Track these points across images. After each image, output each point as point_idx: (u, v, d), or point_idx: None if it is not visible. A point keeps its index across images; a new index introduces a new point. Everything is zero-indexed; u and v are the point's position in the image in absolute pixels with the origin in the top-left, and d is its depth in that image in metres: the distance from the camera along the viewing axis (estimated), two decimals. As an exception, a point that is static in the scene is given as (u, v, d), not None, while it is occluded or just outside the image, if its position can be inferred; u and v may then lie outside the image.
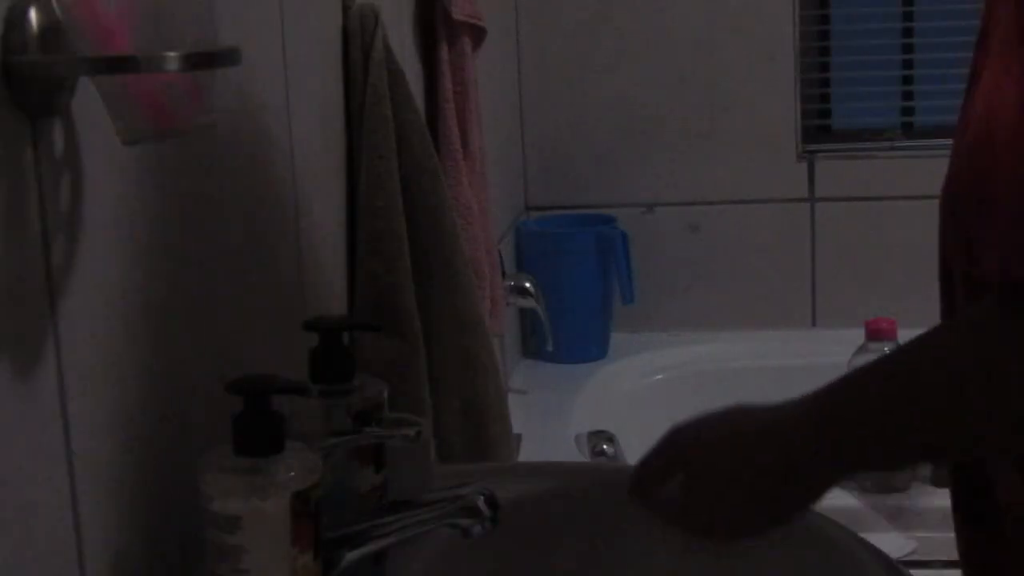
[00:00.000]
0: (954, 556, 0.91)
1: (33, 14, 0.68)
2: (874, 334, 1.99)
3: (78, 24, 0.68)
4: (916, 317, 1.06)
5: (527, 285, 2.32)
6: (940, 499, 1.40)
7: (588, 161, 2.63)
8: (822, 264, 2.62)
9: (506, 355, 2.27)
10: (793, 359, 2.43)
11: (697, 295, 2.64)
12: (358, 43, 1.35)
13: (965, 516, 0.89)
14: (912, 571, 0.94)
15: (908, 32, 2.66)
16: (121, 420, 0.80)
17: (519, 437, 1.85)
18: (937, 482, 1.84)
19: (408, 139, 1.38)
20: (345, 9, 1.36)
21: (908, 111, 2.68)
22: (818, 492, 0.81)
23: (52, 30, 0.68)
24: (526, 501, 1.08)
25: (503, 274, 2.06)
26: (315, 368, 0.94)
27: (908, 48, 2.67)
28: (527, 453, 1.90)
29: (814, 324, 2.63)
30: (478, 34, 1.83)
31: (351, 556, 0.85)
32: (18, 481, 0.68)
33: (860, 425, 0.77)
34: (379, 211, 1.33)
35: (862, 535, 0.98)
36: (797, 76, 2.58)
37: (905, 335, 0.88)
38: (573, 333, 2.47)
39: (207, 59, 0.69)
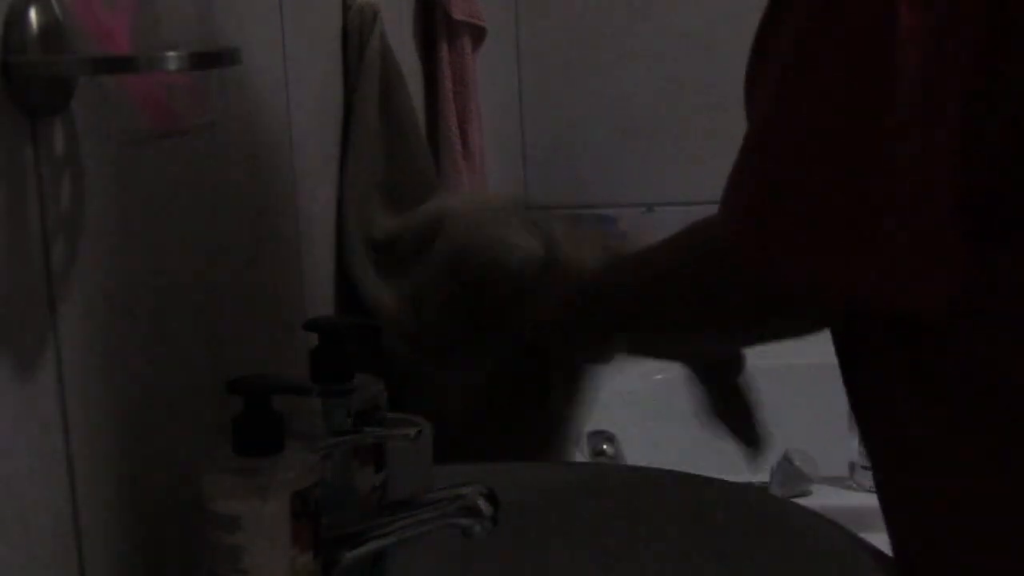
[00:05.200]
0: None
1: (33, 14, 0.68)
2: (874, 334, 1.98)
3: (78, 24, 0.68)
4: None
5: (527, 285, 2.31)
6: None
7: (588, 161, 2.63)
8: (822, 264, 2.61)
9: (506, 355, 2.27)
10: (793, 359, 2.41)
11: (697, 295, 2.63)
12: (357, 43, 1.35)
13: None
14: (912, 571, 0.94)
15: (908, 32, 2.66)
16: (121, 420, 0.80)
17: (519, 437, 1.85)
18: None
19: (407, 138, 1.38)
20: (345, 9, 1.35)
21: (908, 111, 2.68)
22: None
23: (52, 30, 0.68)
24: (526, 501, 1.08)
25: (503, 274, 2.05)
26: (315, 368, 0.94)
27: (908, 48, 2.67)
28: (527, 453, 1.89)
29: (814, 324, 2.62)
30: (478, 34, 1.83)
31: (351, 556, 0.85)
32: (18, 481, 0.68)
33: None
34: (379, 211, 1.33)
35: (862, 535, 0.98)
36: (797, 76, 2.58)
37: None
38: (573, 333, 2.47)
39: (207, 59, 0.69)
